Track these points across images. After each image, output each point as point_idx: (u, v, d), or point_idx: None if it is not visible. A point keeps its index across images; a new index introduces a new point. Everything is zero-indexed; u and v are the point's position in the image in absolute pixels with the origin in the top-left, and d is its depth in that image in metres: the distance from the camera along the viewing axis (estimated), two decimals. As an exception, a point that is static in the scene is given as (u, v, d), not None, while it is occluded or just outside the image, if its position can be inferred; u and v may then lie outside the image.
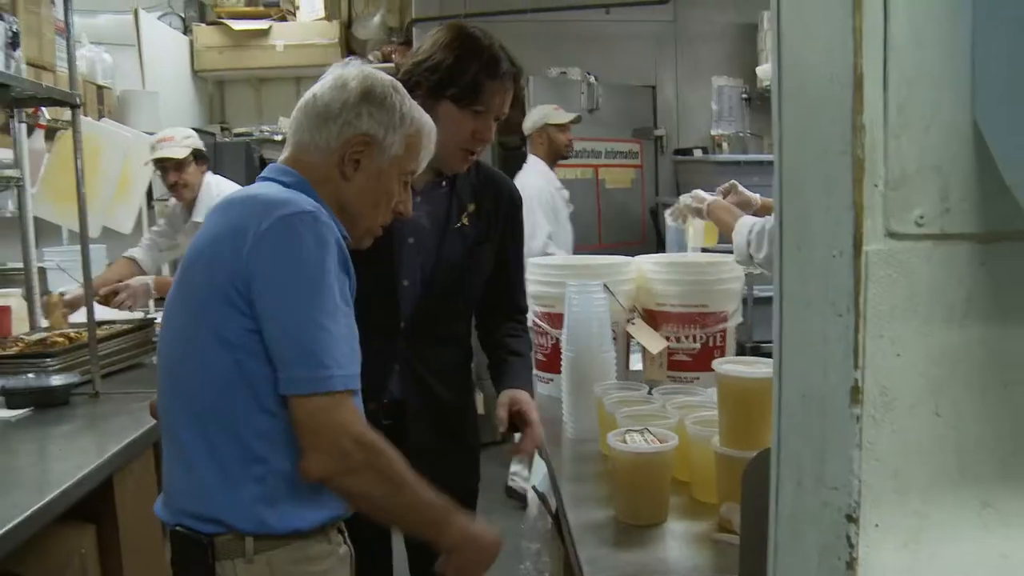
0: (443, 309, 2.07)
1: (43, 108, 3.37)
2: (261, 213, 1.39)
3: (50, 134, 3.69)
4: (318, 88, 1.56)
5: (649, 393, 1.96)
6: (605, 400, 1.88)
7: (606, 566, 1.38)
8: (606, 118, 5.68)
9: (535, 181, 4.39)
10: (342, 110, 1.52)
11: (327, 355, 1.36)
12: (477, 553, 1.52)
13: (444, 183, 2.08)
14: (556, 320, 2.48)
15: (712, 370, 2.48)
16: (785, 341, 0.79)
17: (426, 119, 1.63)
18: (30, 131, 3.34)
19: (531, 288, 2.57)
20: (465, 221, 2.07)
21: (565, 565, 2.02)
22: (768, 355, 2.36)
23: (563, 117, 4.58)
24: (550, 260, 2.61)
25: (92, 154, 3.35)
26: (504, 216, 2.15)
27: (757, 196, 2.79)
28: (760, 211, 2.81)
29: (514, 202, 2.21)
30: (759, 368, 1.54)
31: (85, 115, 3.79)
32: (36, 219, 3.40)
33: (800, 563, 0.78)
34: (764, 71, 5.37)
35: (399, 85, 1.61)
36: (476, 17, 5.54)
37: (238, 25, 6.11)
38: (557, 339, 2.49)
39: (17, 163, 3.15)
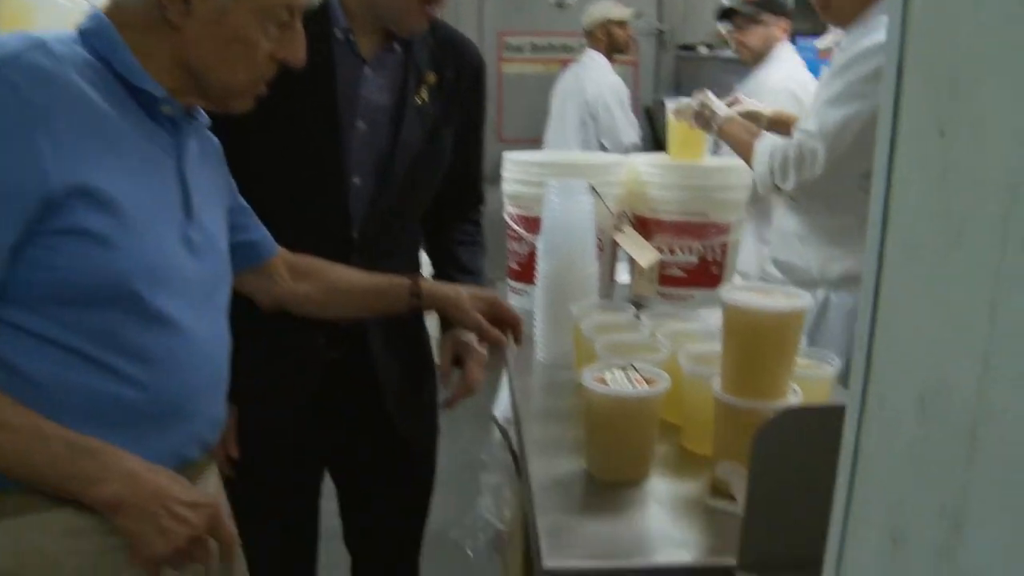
0: (400, 213, 1.71)
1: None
2: None
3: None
4: None
5: (636, 317, 1.66)
6: (583, 323, 1.57)
7: (572, 540, 1.09)
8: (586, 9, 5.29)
9: (609, 76, 4.58)
10: None
11: None
12: (165, 513, 1.08)
13: (397, 46, 1.67)
14: (533, 224, 2.16)
15: (709, 287, 2.23)
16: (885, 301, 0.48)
17: None
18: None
19: (507, 187, 2.25)
20: (424, 96, 1.67)
21: (523, 513, 1.74)
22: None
23: (623, 12, 4.63)
24: (529, 155, 2.27)
25: (24, 23, 2.96)
26: (467, 89, 1.77)
27: (764, 106, 2.48)
28: (771, 125, 2.50)
29: (478, 71, 1.82)
30: (777, 298, 1.23)
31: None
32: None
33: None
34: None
35: None
36: None
37: None
38: (533, 246, 2.18)
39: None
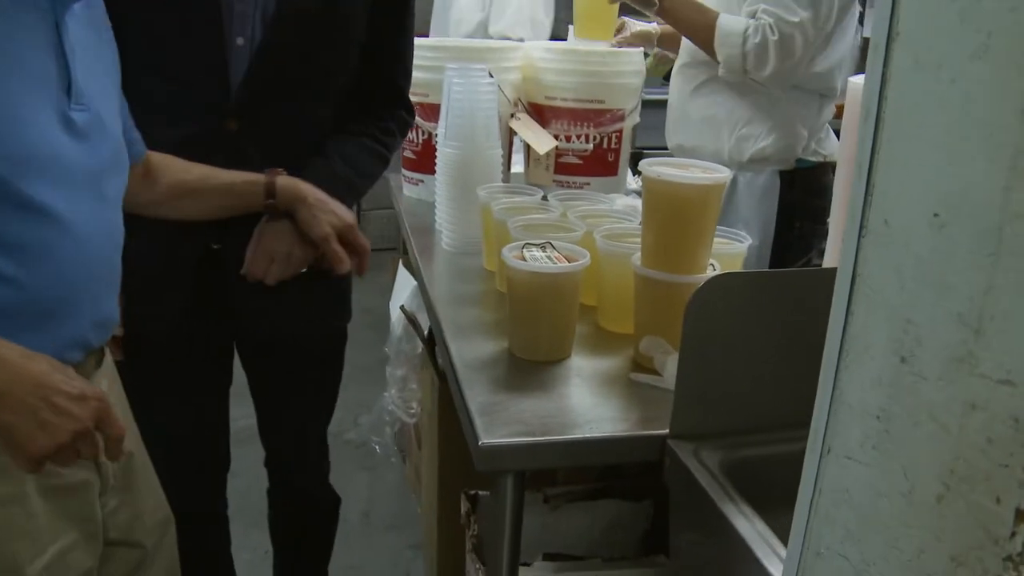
0: (292, 81, 1.48)
1: None
2: None
3: None
4: None
5: (544, 199, 1.63)
6: (493, 206, 1.54)
7: (505, 418, 1.08)
8: None
9: None
10: None
11: None
12: (46, 406, 0.98)
13: None
14: (430, 112, 2.10)
15: (605, 175, 2.22)
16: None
17: None
18: None
19: (400, 73, 2.17)
20: None
21: (441, 397, 1.73)
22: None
23: None
24: (423, 41, 2.19)
25: None
26: None
27: (654, 24, 2.44)
28: (662, 38, 2.48)
29: None
30: (695, 172, 1.22)
31: None
32: None
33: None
34: None
35: None
36: None
37: None
38: (430, 133, 2.12)
39: None
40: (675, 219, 1.21)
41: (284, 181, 1.43)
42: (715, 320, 1.02)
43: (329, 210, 1.45)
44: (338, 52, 1.53)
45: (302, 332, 1.67)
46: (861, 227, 0.49)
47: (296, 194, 1.43)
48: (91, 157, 1.10)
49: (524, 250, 1.27)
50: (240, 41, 1.43)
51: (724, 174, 1.22)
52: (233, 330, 1.66)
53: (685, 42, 2.25)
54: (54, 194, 1.04)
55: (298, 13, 1.44)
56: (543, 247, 1.29)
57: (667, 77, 2.45)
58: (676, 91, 2.30)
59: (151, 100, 1.37)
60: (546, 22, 4.01)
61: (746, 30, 2.00)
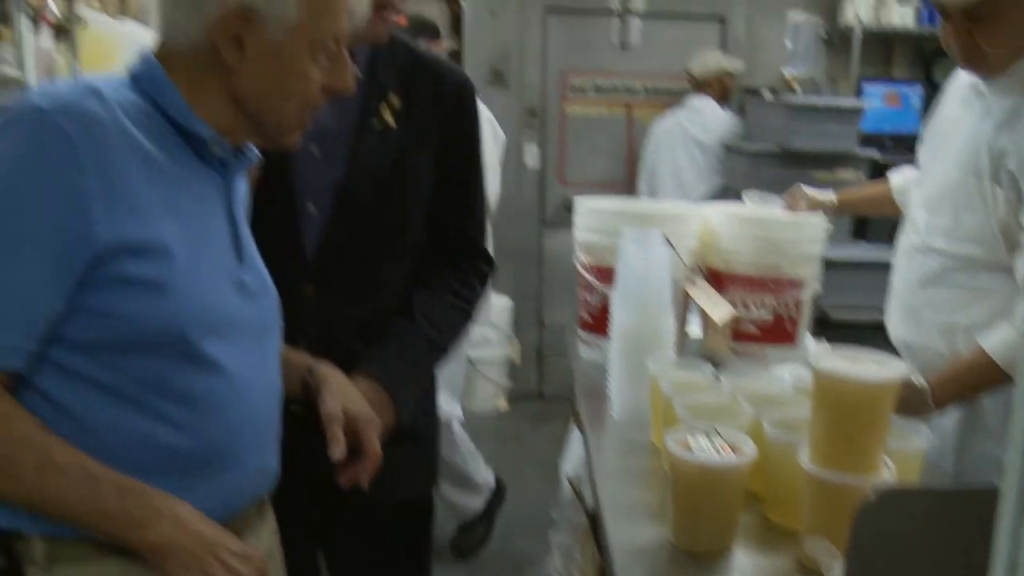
0: (366, 243, 1.54)
1: (50, 2, 3.03)
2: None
3: (62, 34, 3.36)
4: None
5: (715, 376, 1.62)
6: (662, 381, 1.54)
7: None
8: (653, 52, 5.33)
9: (727, 122, 4.79)
10: None
11: None
12: (215, 560, 1.07)
13: (358, 71, 1.54)
14: (606, 275, 2.13)
15: (784, 344, 2.18)
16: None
17: None
18: (36, 27, 3.00)
19: (579, 235, 2.24)
20: (388, 119, 1.54)
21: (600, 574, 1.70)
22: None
23: (736, 64, 4.94)
24: (602, 203, 2.25)
25: (106, 57, 3.03)
26: (449, 114, 1.60)
27: (830, 194, 2.36)
28: (840, 209, 2.36)
29: (462, 95, 1.64)
30: (867, 365, 1.19)
31: (104, 13, 3.45)
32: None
33: None
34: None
35: None
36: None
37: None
38: (606, 297, 2.15)
39: (20, 64, 2.83)
40: (845, 416, 1.18)
41: (324, 367, 1.41)
42: (886, 537, 0.97)
43: (355, 400, 1.39)
44: (408, 212, 1.58)
45: (379, 499, 1.51)
46: None
47: (326, 376, 1.39)
48: (256, 315, 1.22)
49: (689, 436, 1.26)
50: (312, 209, 1.50)
51: (900, 370, 1.18)
52: (316, 504, 1.56)
53: (915, 218, 1.95)
54: (225, 351, 1.14)
55: (367, 179, 1.52)
56: (709, 434, 1.27)
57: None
58: (901, 276, 1.98)
59: None
60: None
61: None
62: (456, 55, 5.88)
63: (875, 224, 4.23)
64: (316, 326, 1.51)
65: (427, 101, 1.57)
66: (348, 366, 1.48)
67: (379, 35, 1.52)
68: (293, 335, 1.44)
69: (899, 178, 2.24)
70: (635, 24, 5.29)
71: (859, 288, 3.60)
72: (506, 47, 5.28)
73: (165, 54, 1.16)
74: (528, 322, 5.42)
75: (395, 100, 1.54)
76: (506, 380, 5.16)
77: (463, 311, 1.67)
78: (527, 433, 4.81)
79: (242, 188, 1.27)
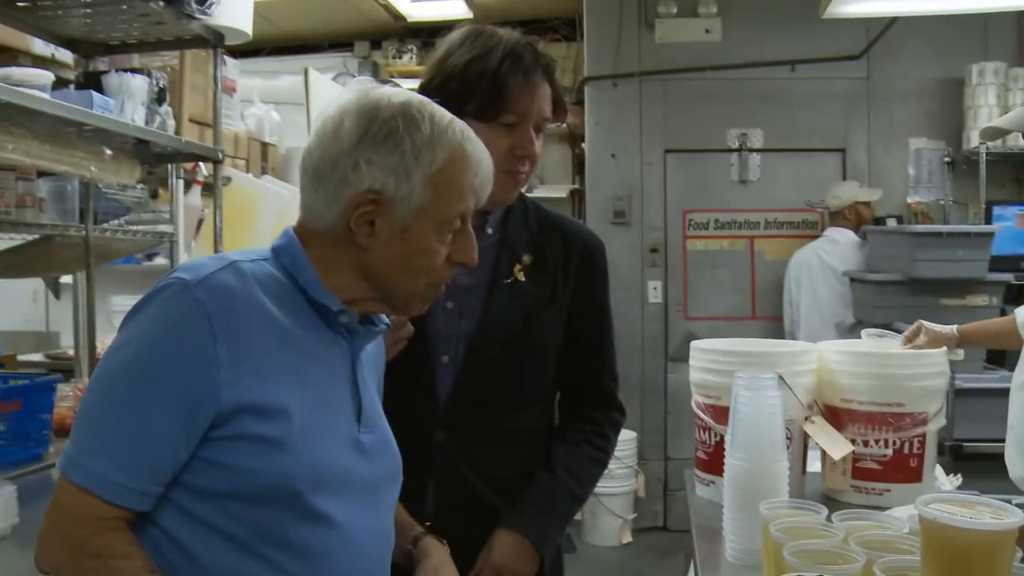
0: (496, 393, 1.62)
1: (201, 164, 3.36)
2: None
3: (210, 191, 3.70)
4: (313, 136, 1.27)
5: (828, 519, 1.61)
6: (772, 525, 1.54)
7: None
8: (773, 185, 5.42)
9: (860, 252, 4.82)
10: (335, 164, 1.21)
11: (78, 438, 1.16)
12: None
13: (490, 228, 1.66)
14: (721, 414, 2.15)
15: (908, 482, 2.13)
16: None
17: (463, 140, 1.25)
18: (188, 187, 3.33)
19: (693, 375, 2.27)
20: (520, 276, 1.63)
21: None
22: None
23: (873, 195, 5.00)
24: (715, 344, 2.29)
25: (247, 211, 3.31)
26: (578, 270, 1.69)
27: (952, 328, 2.32)
28: (962, 342, 2.33)
29: (592, 252, 1.73)
30: (982, 514, 1.17)
31: (247, 172, 3.78)
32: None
33: None
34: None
35: (415, 108, 1.23)
36: (652, 75, 5.33)
37: (409, 84, 6.12)
38: (721, 436, 2.16)
39: (173, 219, 3.14)
40: (957, 568, 1.16)
41: (429, 539, 1.48)
42: None
43: None
44: (538, 363, 1.67)
45: None
46: None
47: (430, 549, 1.46)
48: (373, 473, 1.28)
49: (797, 582, 1.26)
50: (445, 359, 1.61)
51: (1017, 518, 1.16)
52: None
53: None
54: (338, 506, 1.21)
55: (497, 332, 1.61)
56: (817, 580, 1.27)
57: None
58: (1016, 412, 2.07)
59: None
60: None
61: None
62: (579, 195, 6.10)
63: (1012, 351, 4.08)
64: (445, 469, 1.59)
65: (557, 258, 1.67)
66: (474, 506, 1.58)
67: (509, 199, 1.64)
68: (423, 477, 1.55)
69: None
70: (753, 160, 5.38)
71: (995, 417, 3.46)
72: (628, 187, 5.45)
73: (304, 231, 1.27)
74: (654, 455, 5.40)
75: (527, 258, 1.65)
76: (630, 512, 5.12)
77: (600, 461, 1.76)
78: (650, 567, 4.79)
79: (374, 350, 1.36)
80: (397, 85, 6.16)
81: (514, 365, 1.63)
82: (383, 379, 1.44)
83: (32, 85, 2.13)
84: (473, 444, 1.61)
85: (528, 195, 1.78)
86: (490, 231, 1.65)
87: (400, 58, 6.56)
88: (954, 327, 2.31)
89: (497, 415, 1.64)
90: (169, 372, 1.13)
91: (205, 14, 2.63)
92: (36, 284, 4.66)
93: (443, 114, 1.25)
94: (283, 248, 1.27)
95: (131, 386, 1.14)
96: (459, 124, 1.26)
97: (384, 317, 1.34)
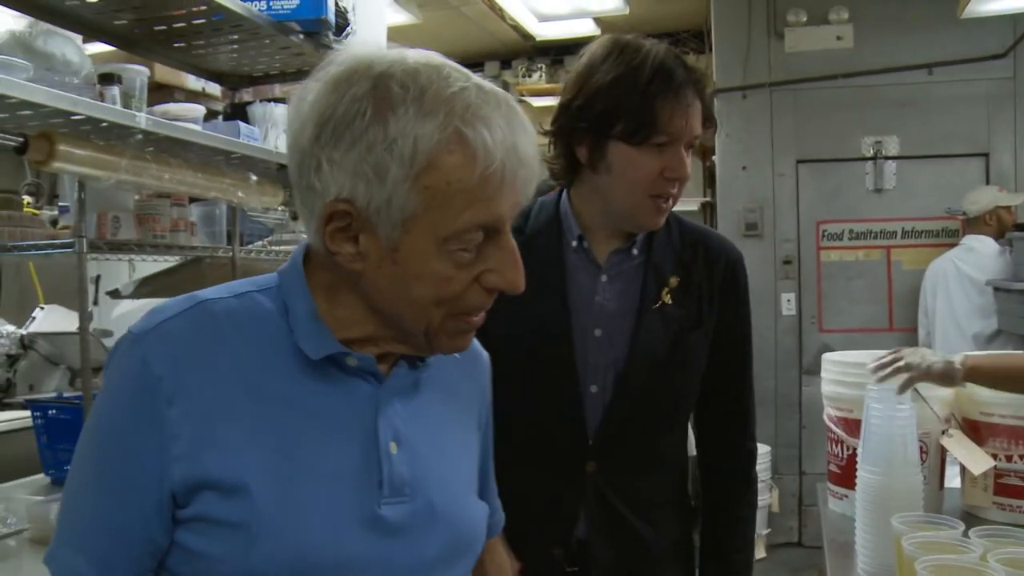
0: (645, 420, 1.58)
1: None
2: None
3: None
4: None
5: (965, 535, 1.58)
6: (905, 539, 1.52)
7: None
8: (910, 193, 5.26)
9: (1002, 259, 4.62)
10: (300, 167, 0.94)
11: (58, 524, 1.00)
12: None
13: (635, 250, 1.60)
14: (853, 427, 2.13)
15: (1055, 500, 2.05)
16: None
17: (461, 123, 0.90)
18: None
19: (825, 388, 2.26)
20: (667, 299, 1.57)
21: None
22: None
23: (1016, 199, 4.81)
24: (846, 356, 2.26)
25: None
26: (723, 290, 1.63)
27: (956, 360, 1.95)
28: (970, 377, 1.96)
29: (734, 269, 1.65)
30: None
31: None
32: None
33: None
34: None
35: (399, 78, 0.91)
36: (782, 85, 5.26)
37: (539, 102, 6.21)
38: (854, 449, 2.13)
39: (311, 239, 3.28)
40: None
41: None
42: None
43: None
44: (685, 387, 1.63)
45: None
46: None
47: None
48: (406, 557, 1.00)
49: (928, 597, 1.25)
50: (594, 389, 1.56)
51: None
52: None
53: None
54: None
55: (647, 358, 1.55)
56: (950, 595, 1.26)
57: None
58: None
59: (513, 447, 1.39)
60: None
61: None
62: (711, 208, 6.06)
63: None
64: (596, 499, 1.57)
65: (703, 278, 1.61)
66: (631, 542, 1.57)
67: (658, 223, 1.56)
68: (575, 504, 1.56)
69: None
70: (889, 168, 5.23)
71: None
72: (759, 199, 5.38)
73: (312, 252, 1.02)
74: (789, 470, 5.31)
75: (673, 280, 1.58)
76: (764, 528, 5.06)
77: (751, 517, 1.74)
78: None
79: (421, 399, 1.07)
80: (528, 104, 6.29)
81: (663, 392, 1.59)
82: (486, 416, 1.22)
83: (187, 119, 2.30)
84: (622, 472, 1.58)
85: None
86: (635, 252, 1.60)
87: (530, 76, 6.70)
88: (959, 357, 1.97)
89: (645, 441, 1.60)
90: (120, 447, 0.94)
91: (341, 44, 2.77)
92: (148, 305, 4.82)
93: (442, 85, 0.91)
94: (285, 272, 1.03)
95: (87, 467, 0.97)
96: (466, 97, 0.92)
97: (441, 357, 1.07)
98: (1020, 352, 1.97)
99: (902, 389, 1.94)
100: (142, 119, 1.98)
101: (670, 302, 1.57)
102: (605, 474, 1.56)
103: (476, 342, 1.16)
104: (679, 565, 1.67)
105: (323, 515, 0.95)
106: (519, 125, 0.94)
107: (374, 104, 0.89)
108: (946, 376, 1.95)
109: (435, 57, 0.95)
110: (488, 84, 0.95)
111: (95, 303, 4.31)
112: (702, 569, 1.68)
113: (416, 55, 0.95)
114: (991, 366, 1.98)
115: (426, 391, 1.07)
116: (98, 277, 4.51)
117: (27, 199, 3.63)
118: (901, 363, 1.97)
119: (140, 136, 2.10)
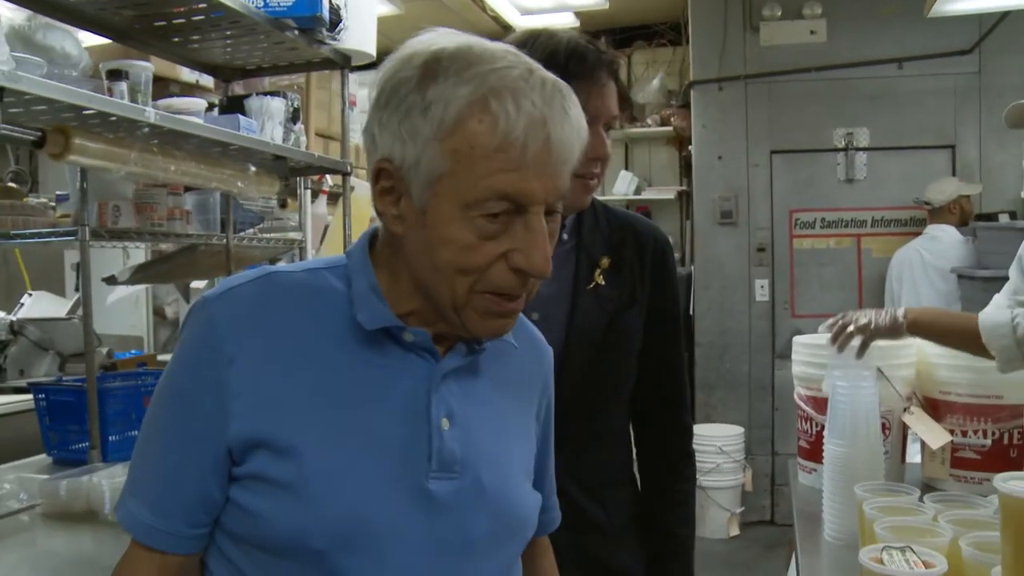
0: (588, 400, 1.60)
1: (327, 175, 3.62)
2: None
3: (334, 199, 3.97)
4: None
5: (920, 500, 1.72)
6: (866, 504, 1.66)
7: None
8: (880, 183, 5.43)
9: (964, 247, 4.80)
10: (366, 126, 1.01)
11: (128, 478, 1.07)
12: None
13: (566, 235, 1.62)
14: (821, 405, 2.26)
15: (1008, 471, 2.19)
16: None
17: (488, 92, 0.92)
18: (315, 197, 3.60)
19: (796, 368, 2.39)
20: (600, 280, 1.62)
21: None
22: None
23: (975, 188, 5.04)
24: (816, 339, 2.40)
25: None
26: (653, 270, 1.68)
27: (900, 313, 2.15)
28: (913, 329, 2.14)
29: (663, 250, 1.71)
30: (1052, 488, 1.28)
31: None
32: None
33: None
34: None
35: (448, 53, 0.95)
36: (757, 78, 5.39)
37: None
38: (822, 426, 2.27)
39: (301, 227, 3.40)
40: (1028, 536, 1.27)
41: None
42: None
43: None
44: (623, 367, 1.67)
45: None
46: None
47: None
48: (453, 529, 1.03)
49: (883, 553, 1.38)
50: None
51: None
52: None
53: None
54: (375, 571, 0.99)
55: (586, 339, 1.59)
56: (903, 551, 1.39)
57: None
58: None
59: None
60: None
61: (1013, 319, 1.95)
62: (687, 197, 6.20)
63: None
64: None
65: (633, 260, 1.66)
66: (581, 523, 1.58)
67: (584, 203, 1.60)
68: None
69: None
70: (860, 159, 5.39)
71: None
72: (734, 188, 5.53)
73: (377, 234, 1.08)
74: (761, 450, 5.49)
75: (605, 261, 1.63)
76: (738, 506, 5.22)
77: (693, 494, 1.79)
78: (757, 559, 4.91)
79: (482, 377, 1.11)
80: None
81: (602, 371, 1.63)
82: (545, 407, 1.25)
83: (189, 112, 2.39)
84: (568, 454, 1.52)
85: (600, 197, 1.77)
86: (565, 236, 1.63)
87: (509, 67, 6.76)
88: (902, 310, 2.16)
89: (587, 421, 1.61)
90: (182, 403, 1.01)
91: (334, 39, 2.86)
92: (138, 291, 4.83)
93: (487, 61, 0.95)
94: (352, 251, 1.08)
95: (155, 420, 1.04)
96: (508, 73, 0.94)
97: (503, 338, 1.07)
98: (962, 313, 2.09)
99: (861, 352, 2.11)
100: (151, 114, 2.07)
101: (603, 283, 1.62)
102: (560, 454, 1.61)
103: (539, 335, 1.24)
104: (634, 545, 1.71)
105: (369, 482, 0.98)
106: (559, 109, 0.95)
107: (421, 73, 0.95)
108: (893, 329, 2.12)
109: (502, 46, 0.99)
110: (546, 73, 0.98)
111: (76, 289, 4.37)
112: (647, 546, 1.72)
113: (485, 43, 0.99)
114: (931, 321, 2.15)
115: (484, 377, 1.10)
116: (78, 264, 4.58)
117: (13, 185, 3.72)
118: (851, 328, 2.14)
119: (146, 129, 2.19)
